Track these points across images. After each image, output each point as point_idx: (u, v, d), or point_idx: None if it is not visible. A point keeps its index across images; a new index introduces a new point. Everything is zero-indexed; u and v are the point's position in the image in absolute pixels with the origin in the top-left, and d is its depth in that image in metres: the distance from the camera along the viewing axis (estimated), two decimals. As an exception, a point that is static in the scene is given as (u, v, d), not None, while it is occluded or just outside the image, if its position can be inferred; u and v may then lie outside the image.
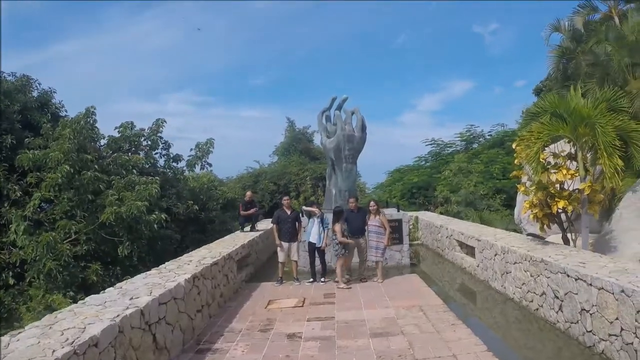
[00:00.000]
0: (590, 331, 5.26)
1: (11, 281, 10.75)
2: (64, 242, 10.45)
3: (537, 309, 6.69)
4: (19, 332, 3.76)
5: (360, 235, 8.99)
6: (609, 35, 14.28)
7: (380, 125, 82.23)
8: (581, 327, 5.48)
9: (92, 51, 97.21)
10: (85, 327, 3.82)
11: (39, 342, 3.47)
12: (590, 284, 5.25)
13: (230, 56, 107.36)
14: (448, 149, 29.06)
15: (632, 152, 7.81)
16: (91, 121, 12.66)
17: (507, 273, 7.83)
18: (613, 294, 4.80)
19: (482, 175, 21.88)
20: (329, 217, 9.08)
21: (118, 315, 4.19)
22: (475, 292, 8.82)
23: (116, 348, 3.97)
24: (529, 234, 10.78)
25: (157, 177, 13.52)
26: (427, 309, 6.82)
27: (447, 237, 11.98)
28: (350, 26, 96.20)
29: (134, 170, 13.53)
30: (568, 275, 5.77)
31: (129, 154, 14.14)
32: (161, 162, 15.98)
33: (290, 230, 9.24)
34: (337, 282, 8.74)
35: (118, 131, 14.43)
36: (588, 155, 8.24)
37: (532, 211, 8.24)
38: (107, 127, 16.99)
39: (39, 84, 14.40)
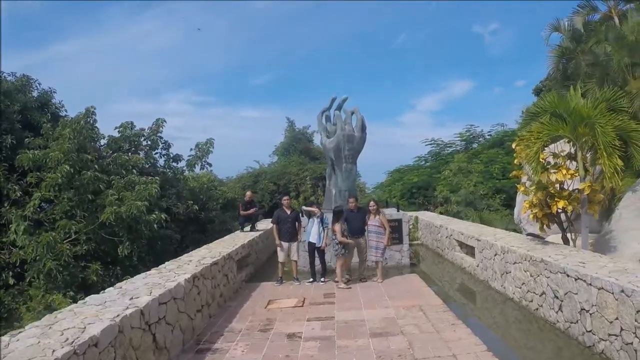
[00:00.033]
0: (590, 331, 5.27)
1: (11, 281, 10.77)
2: (64, 242, 10.46)
3: (537, 309, 6.70)
4: (19, 332, 3.76)
5: (360, 235, 8.98)
6: (608, 35, 14.30)
7: (380, 125, 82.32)
8: (581, 327, 5.48)
9: (92, 51, 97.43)
10: (85, 327, 3.82)
11: (38, 342, 3.47)
12: (590, 284, 5.25)
13: (230, 56, 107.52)
14: (448, 149, 29.12)
15: (631, 152, 7.81)
16: (91, 121, 12.69)
17: (506, 273, 7.83)
18: (613, 293, 4.81)
19: (482, 175, 21.88)
20: (329, 217, 9.07)
21: (118, 315, 4.20)
22: (475, 292, 8.82)
23: (116, 348, 3.97)
24: (528, 234, 10.78)
25: (157, 177, 13.54)
26: (427, 309, 6.82)
27: (446, 237, 11.98)
28: (350, 26, 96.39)
29: (134, 170, 13.55)
30: (568, 275, 5.77)
31: (129, 153, 14.17)
32: (161, 162, 16.04)
33: (290, 230, 9.24)
34: (337, 282, 8.74)
35: (118, 131, 14.47)
36: (588, 155, 8.23)
37: (531, 211, 8.23)
38: (107, 127, 17.10)
39: (39, 84, 14.47)
